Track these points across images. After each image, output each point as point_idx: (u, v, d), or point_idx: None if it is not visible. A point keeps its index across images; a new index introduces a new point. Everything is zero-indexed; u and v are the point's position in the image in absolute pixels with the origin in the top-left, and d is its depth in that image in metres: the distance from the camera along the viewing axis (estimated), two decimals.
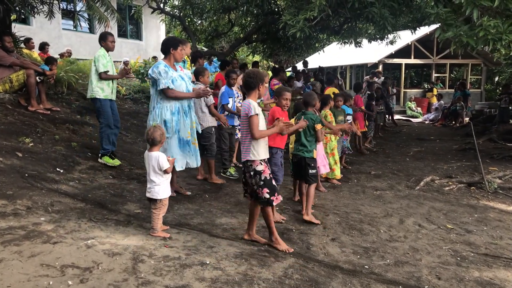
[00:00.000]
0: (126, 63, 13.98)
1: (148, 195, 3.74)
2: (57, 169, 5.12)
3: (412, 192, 6.36)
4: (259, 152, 3.68)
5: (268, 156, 3.83)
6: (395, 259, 3.87)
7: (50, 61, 7.56)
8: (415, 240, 4.39)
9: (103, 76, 5.61)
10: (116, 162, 5.79)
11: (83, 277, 2.72)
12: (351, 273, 3.47)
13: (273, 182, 3.73)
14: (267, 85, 7.78)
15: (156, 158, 3.67)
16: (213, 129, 5.93)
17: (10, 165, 4.70)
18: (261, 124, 3.71)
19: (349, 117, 7.41)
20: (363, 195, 6.08)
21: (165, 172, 3.70)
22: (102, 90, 5.66)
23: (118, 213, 4.24)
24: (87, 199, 4.48)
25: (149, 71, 4.77)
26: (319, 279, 3.22)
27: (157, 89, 4.66)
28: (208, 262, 3.16)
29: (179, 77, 4.77)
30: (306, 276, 3.21)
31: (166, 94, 4.65)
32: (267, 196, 3.64)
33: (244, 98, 7.38)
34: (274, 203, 3.71)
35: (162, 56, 4.89)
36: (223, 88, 6.45)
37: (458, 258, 3.99)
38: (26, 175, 4.59)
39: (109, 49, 5.76)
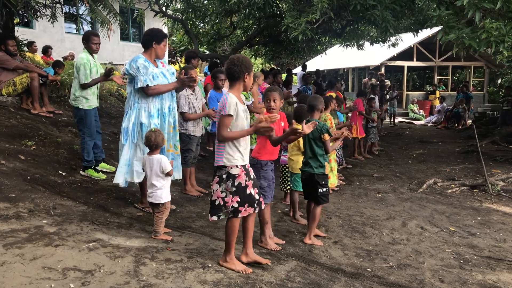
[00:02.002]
0: None
1: (150, 200, 3.73)
2: (60, 172, 5.13)
3: (415, 194, 6.33)
4: (235, 156, 3.09)
5: (247, 162, 3.22)
6: (397, 262, 3.86)
7: (58, 64, 7.63)
8: (418, 243, 4.37)
9: (85, 87, 5.12)
10: (102, 176, 5.28)
11: (85, 280, 2.72)
12: (354, 276, 3.46)
13: (249, 192, 3.12)
14: (260, 82, 7.47)
15: (159, 161, 3.67)
16: (192, 136, 5.26)
17: (13, 168, 4.70)
18: (241, 125, 3.11)
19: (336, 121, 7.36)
20: (365, 197, 6.06)
21: (168, 174, 3.70)
22: (86, 100, 5.19)
23: (120, 215, 4.23)
24: (89, 202, 4.48)
25: (126, 66, 4.20)
26: (322, 282, 3.21)
27: (136, 87, 4.11)
28: (210, 265, 3.15)
29: (160, 73, 4.23)
30: (309, 279, 3.19)
31: (147, 93, 4.09)
32: (235, 205, 3.07)
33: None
34: (241, 215, 3.11)
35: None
36: (210, 92, 6.02)
37: (461, 261, 3.98)
38: (29, 178, 4.60)
39: (92, 51, 5.20)
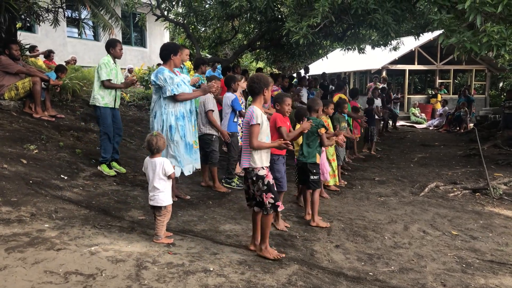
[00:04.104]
0: (130, 71, 14.05)
1: (151, 203, 3.73)
2: (61, 175, 5.14)
3: (417, 198, 6.32)
4: (259, 159, 3.58)
5: (268, 164, 3.70)
6: (399, 266, 3.85)
7: (60, 69, 7.65)
8: (420, 247, 4.36)
9: (106, 84, 5.53)
10: (112, 172, 5.68)
11: (86, 284, 2.72)
12: (356, 280, 3.45)
13: (275, 189, 3.65)
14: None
15: (161, 163, 3.68)
16: (214, 137, 5.80)
17: (15, 172, 4.72)
18: (266, 131, 3.64)
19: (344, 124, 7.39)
20: (367, 201, 6.06)
21: (169, 177, 3.71)
22: (102, 98, 5.57)
23: (122, 219, 4.24)
24: (91, 206, 4.48)
25: (152, 77, 4.77)
26: (323, 286, 3.20)
27: (164, 96, 4.69)
28: (211, 269, 3.15)
29: (182, 81, 4.83)
30: (310, 283, 3.19)
31: (176, 99, 4.71)
32: (272, 201, 3.56)
33: (246, 103, 7.39)
34: (279, 209, 3.63)
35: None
36: (232, 95, 6.14)
37: (464, 265, 3.96)
38: (31, 181, 4.61)
39: (117, 56, 5.70)
